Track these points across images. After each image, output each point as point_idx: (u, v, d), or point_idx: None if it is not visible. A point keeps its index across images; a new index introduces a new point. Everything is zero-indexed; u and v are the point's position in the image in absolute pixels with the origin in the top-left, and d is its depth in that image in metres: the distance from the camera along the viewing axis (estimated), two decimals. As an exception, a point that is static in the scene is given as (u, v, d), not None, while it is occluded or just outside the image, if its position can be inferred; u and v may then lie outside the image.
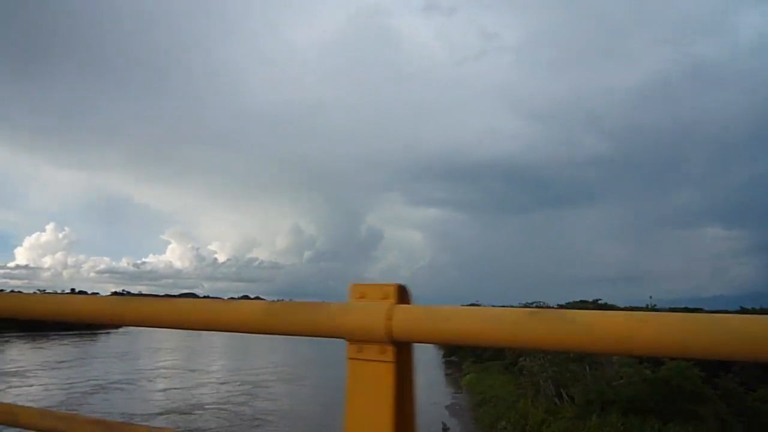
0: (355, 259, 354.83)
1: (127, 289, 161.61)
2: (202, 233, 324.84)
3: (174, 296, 1.36)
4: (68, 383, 35.72)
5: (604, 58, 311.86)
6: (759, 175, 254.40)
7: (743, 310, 39.87)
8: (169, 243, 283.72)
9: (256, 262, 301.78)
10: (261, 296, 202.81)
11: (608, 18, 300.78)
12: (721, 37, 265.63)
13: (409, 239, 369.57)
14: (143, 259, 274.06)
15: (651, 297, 36.86)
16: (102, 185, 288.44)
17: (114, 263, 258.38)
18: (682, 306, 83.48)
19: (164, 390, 34.73)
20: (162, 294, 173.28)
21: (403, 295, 1.26)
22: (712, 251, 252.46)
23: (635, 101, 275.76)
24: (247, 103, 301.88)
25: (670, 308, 78.69)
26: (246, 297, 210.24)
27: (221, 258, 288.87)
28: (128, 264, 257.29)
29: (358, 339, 1.21)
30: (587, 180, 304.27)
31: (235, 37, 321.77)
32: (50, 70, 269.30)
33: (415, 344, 1.19)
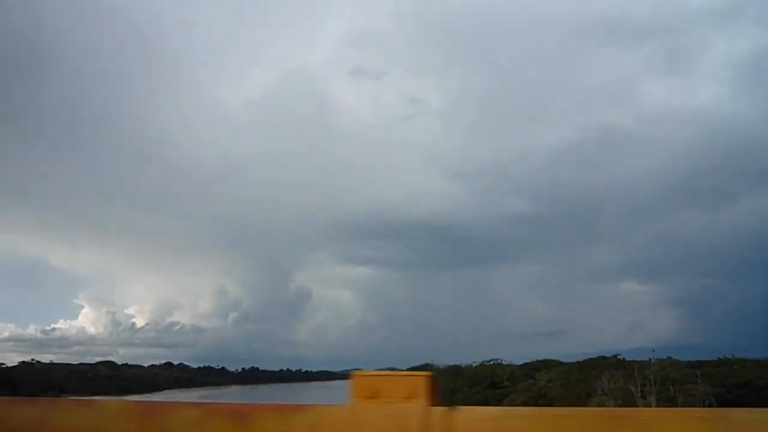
0: (283, 320, 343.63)
1: (35, 358, 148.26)
2: (118, 297, 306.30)
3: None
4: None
5: (523, 123, 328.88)
6: (666, 232, 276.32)
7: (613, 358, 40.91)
8: (82, 307, 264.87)
9: (177, 326, 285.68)
10: (183, 362, 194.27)
11: (527, 86, 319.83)
12: (627, 107, 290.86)
13: (338, 298, 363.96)
14: (53, 325, 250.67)
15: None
16: (8, 248, 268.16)
17: (20, 330, 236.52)
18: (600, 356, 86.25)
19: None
20: (74, 363, 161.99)
21: (435, 390, 0.89)
22: (629, 305, 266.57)
23: (553, 164, 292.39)
24: (170, 161, 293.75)
25: (587, 359, 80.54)
26: (169, 364, 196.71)
27: (139, 322, 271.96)
28: (36, 331, 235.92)
29: None
30: (511, 238, 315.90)
31: (159, 95, 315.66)
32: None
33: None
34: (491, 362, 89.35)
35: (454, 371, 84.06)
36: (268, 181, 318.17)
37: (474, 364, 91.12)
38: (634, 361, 38.15)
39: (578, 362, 46.91)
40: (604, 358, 40.20)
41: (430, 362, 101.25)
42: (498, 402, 47.88)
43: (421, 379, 0.85)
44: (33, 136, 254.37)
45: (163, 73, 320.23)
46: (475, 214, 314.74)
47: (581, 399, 36.87)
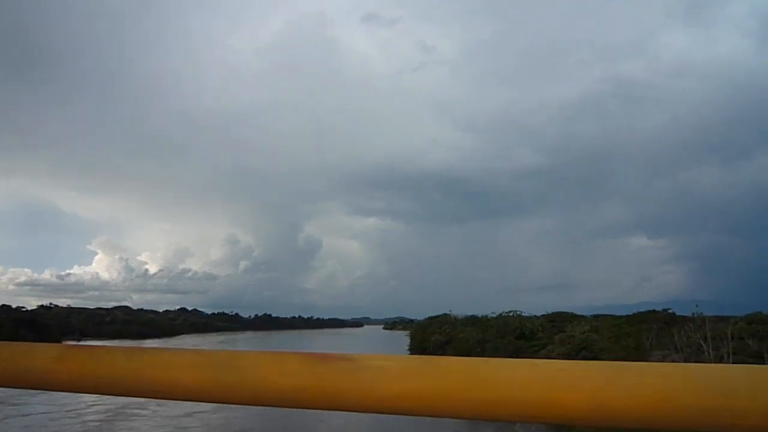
0: (292, 269, 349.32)
1: (53, 302, 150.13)
2: (131, 243, 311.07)
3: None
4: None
5: (538, 74, 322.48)
6: (679, 188, 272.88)
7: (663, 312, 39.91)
8: (96, 253, 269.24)
9: (189, 273, 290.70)
10: (197, 308, 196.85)
11: (542, 35, 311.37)
12: (645, 58, 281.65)
13: (347, 249, 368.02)
14: (68, 271, 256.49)
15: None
16: (23, 192, 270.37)
17: (36, 275, 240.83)
18: (609, 313, 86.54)
19: (190, 414, 30.29)
20: (91, 307, 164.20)
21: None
22: (638, 260, 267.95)
23: (567, 117, 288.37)
24: (182, 108, 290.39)
25: (596, 314, 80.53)
26: (183, 309, 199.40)
27: (152, 269, 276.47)
28: (51, 276, 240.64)
29: None
30: (522, 191, 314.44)
31: (170, 42, 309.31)
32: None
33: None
34: (510, 313, 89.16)
35: (473, 321, 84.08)
36: (278, 129, 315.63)
37: (492, 315, 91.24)
38: (684, 316, 37.29)
39: (627, 315, 45.96)
40: (653, 312, 39.14)
41: (448, 312, 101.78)
42: (534, 353, 47.46)
43: None
44: (42, 82, 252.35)
45: (173, 18, 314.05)
46: (485, 166, 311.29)
47: (631, 353, 36.15)
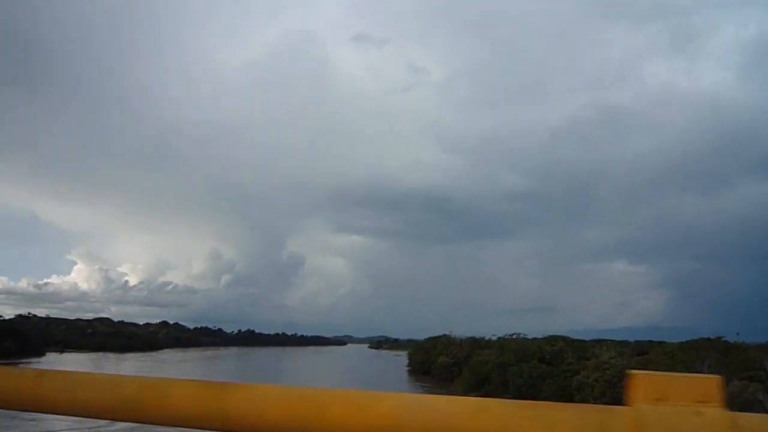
0: (274, 285, 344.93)
1: (30, 312, 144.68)
2: (112, 254, 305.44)
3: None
4: None
5: (525, 98, 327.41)
6: (661, 214, 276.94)
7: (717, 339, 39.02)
8: (75, 263, 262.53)
9: (170, 286, 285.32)
10: (179, 322, 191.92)
11: (529, 61, 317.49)
12: (629, 86, 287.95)
13: (330, 266, 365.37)
14: (45, 280, 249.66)
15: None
16: (1, 199, 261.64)
17: (12, 284, 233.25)
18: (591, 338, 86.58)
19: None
20: (71, 318, 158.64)
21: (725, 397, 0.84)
22: (619, 285, 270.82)
23: (553, 141, 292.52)
24: (171, 120, 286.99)
25: (580, 339, 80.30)
26: (165, 323, 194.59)
27: (132, 281, 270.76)
28: (28, 285, 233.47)
29: None
30: (506, 214, 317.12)
31: (161, 53, 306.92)
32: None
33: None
34: (514, 335, 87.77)
35: (474, 344, 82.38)
36: (265, 144, 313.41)
37: (493, 337, 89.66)
38: (740, 343, 36.28)
39: (681, 342, 44.65)
40: (708, 339, 37.93)
41: (448, 333, 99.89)
42: (566, 379, 45.88)
43: (712, 382, 0.81)
44: (28, 89, 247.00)
45: (163, 30, 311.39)
46: (471, 188, 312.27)
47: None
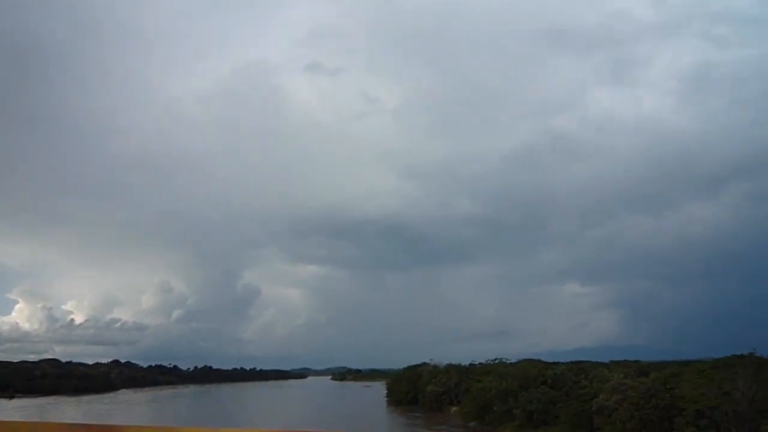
0: (229, 319, 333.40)
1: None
2: (56, 292, 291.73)
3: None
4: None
5: (477, 125, 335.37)
6: (610, 236, 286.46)
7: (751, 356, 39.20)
8: (16, 302, 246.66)
9: (119, 323, 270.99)
10: (131, 360, 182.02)
11: (480, 89, 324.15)
12: (575, 113, 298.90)
13: (286, 297, 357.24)
14: None
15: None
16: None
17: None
18: (544, 357, 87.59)
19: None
20: (15, 360, 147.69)
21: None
22: (572, 307, 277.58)
23: (505, 167, 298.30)
24: (122, 152, 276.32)
25: (521, 359, 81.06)
26: (117, 362, 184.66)
27: (78, 319, 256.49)
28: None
29: None
30: (462, 239, 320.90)
31: (104, 82, 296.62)
32: None
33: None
34: (496, 360, 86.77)
35: (462, 371, 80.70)
36: (217, 175, 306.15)
37: (475, 363, 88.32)
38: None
39: (710, 360, 44.15)
40: (740, 356, 37.55)
41: (428, 361, 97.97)
42: (584, 403, 44.75)
43: None
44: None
45: (108, 60, 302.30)
46: (426, 214, 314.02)
47: (723, 401, 34.28)
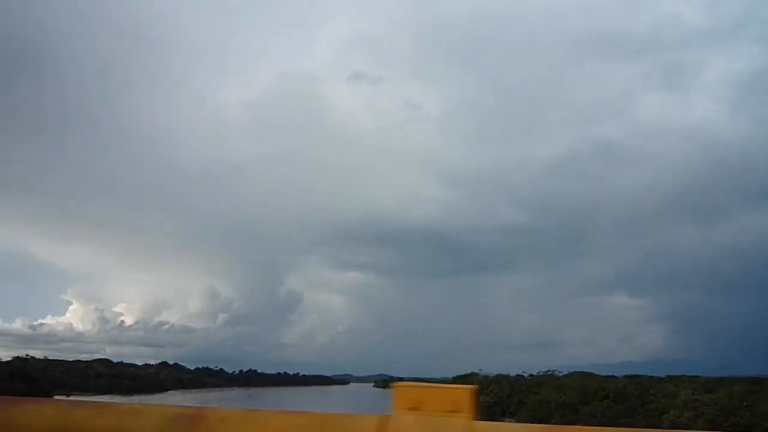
0: (272, 324, 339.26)
1: (26, 353, 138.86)
2: (108, 294, 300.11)
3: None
4: None
5: (520, 133, 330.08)
6: (659, 247, 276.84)
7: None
8: (70, 303, 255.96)
9: (166, 326, 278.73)
10: (178, 362, 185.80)
11: (524, 96, 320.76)
12: (623, 120, 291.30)
13: (328, 303, 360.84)
14: (40, 321, 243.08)
15: None
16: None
17: (6, 324, 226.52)
18: (588, 370, 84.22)
19: None
20: (69, 359, 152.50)
21: (478, 406, 0.91)
22: (619, 319, 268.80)
23: (548, 175, 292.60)
24: (171, 159, 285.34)
25: (571, 372, 78.25)
26: (165, 363, 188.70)
27: (128, 321, 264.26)
28: (23, 325, 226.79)
29: None
30: (504, 248, 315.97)
31: (156, 92, 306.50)
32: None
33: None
34: (548, 372, 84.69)
35: (506, 380, 79.10)
36: (262, 181, 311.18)
37: (525, 375, 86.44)
38: None
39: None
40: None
41: (477, 371, 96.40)
42: (654, 419, 42.90)
43: (465, 392, 0.86)
44: (28, 131, 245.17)
45: (161, 70, 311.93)
46: (469, 222, 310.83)
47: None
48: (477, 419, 0.83)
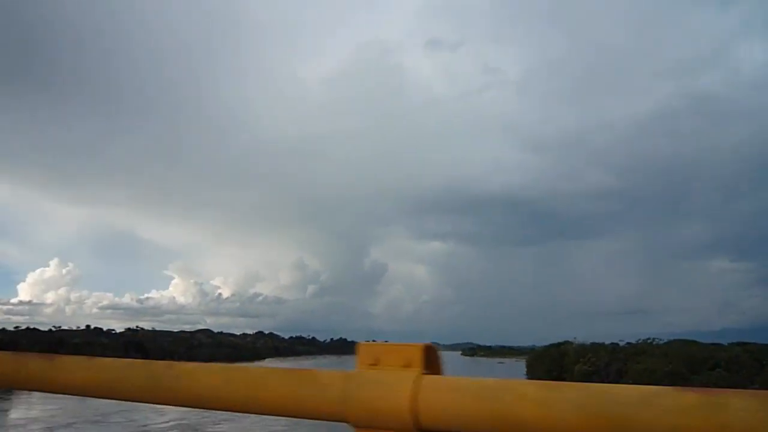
0: (358, 294, 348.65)
1: (136, 325, 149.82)
2: (205, 268, 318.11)
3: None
4: None
5: (605, 91, 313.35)
6: (762, 207, 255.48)
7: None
8: (172, 278, 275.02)
9: (260, 298, 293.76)
10: (273, 332, 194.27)
11: (608, 51, 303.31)
12: (722, 71, 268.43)
13: (412, 273, 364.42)
14: (146, 295, 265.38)
15: None
16: (106, 221, 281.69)
17: (117, 299, 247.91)
18: (687, 337, 78.28)
19: None
20: (175, 330, 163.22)
21: (432, 361, 0.95)
22: (719, 284, 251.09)
23: (638, 134, 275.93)
24: (255, 137, 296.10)
25: (671, 340, 73.08)
26: (261, 333, 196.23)
27: (225, 293, 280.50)
28: (131, 300, 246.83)
29: (368, 425, 0.90)
30: (593, 213, 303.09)
31: (240, 72, 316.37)
32: (60, 106, 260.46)
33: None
34: (648, 340, 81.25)
35: (604, 349, 76.70)
36: (344, 156, 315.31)
37: (621, 343, 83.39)
38: None
39: None
40: None
41: (572, 339, 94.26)
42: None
43: (416, 349, 0.94)
44: (135, 119, 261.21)
45: (243, 51, 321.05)
46: (554, 188, 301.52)
47: None
48: (426, 374, 0.92)
